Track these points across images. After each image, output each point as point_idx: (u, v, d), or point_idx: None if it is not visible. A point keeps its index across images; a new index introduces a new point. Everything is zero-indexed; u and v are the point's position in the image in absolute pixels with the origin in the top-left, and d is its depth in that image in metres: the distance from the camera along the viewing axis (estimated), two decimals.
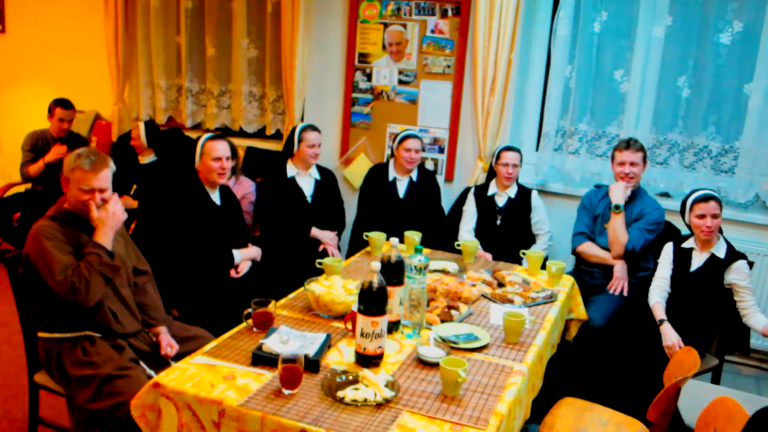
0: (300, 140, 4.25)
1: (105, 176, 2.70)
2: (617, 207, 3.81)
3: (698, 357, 2.60)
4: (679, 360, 2.73)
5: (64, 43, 6.10)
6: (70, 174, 2.66)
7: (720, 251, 3.39)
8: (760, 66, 3.99)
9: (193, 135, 5.53)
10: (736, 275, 3.33)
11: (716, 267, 3.37)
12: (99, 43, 5.74)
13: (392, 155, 4.44)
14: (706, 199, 3.34)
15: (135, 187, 4.90)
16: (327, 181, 4.45)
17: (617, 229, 3.82)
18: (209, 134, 3.81)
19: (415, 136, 4.34)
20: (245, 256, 3.81)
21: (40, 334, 2.74)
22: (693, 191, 3.46)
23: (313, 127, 4.30)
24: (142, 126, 4.98)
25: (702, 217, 3.34)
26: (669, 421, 2.64)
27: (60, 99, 5.17)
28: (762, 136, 4.03)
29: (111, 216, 2.68)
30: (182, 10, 5.48)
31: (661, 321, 3.38)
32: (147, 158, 5.02)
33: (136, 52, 5.69)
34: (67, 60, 6.11)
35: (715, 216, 3.33)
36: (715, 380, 3.47)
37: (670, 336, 3.29)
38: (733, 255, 3.37)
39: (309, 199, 4.32)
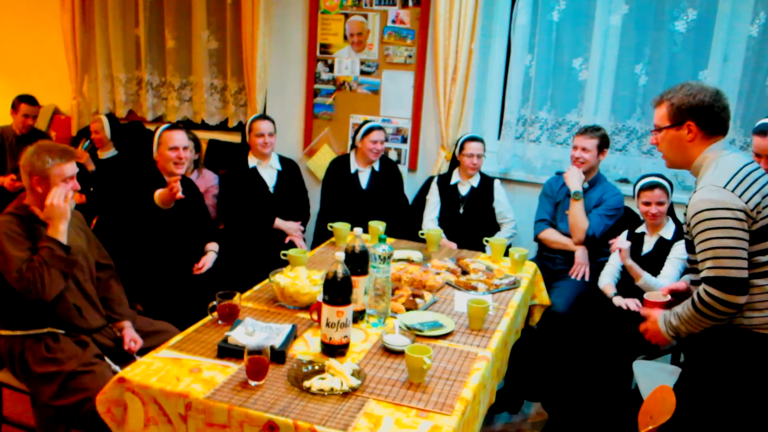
0: (250, 130, 4.26)
1: (74, 164, 2.72)
2: (576, 194, 3.88)
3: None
4: (658, 398, 2.24)
5: (20, 37, 5.97)
6: (49, 171, 2.62)
7: (668, 233, 3.51)
8: (713, 53, 4.06)
9: (154, 128, 5.48)
10: (677, 252, 3.44)
11: (664, 249, 3.48)
12: (56, 36, 5.63)
13: (354, 147, 4.45)
14: (651, 187, 3.44)
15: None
16: (289, 171, 4.43)
17: (577, 215, 3.88)
18: (167, 125, 3.80)
19: (379, 128, 4.35)
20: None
21: (1, 332, 2.70)
22: (642, 177, 3.56)
23: (263, 117, 4.31)
24: (105, 119, 4.91)
25: (647, 204, 3.46)
26: None
27: (25, 95, 5.09)
28: None
29: (52, 207, 2.62)
30: (141, 2, 5.40)
31: (614, 294, 3.54)
32: (107, 153, 4.95)
33: (95, 45, 5.59)
34: (25, 54, 5.98)
35: (660, 203, 3.44)
36: (675, 360, 3.55)
37: (626, 303, 3.45)
38: (680, 235, 3.46)
39: (271, 190, 4.31)
